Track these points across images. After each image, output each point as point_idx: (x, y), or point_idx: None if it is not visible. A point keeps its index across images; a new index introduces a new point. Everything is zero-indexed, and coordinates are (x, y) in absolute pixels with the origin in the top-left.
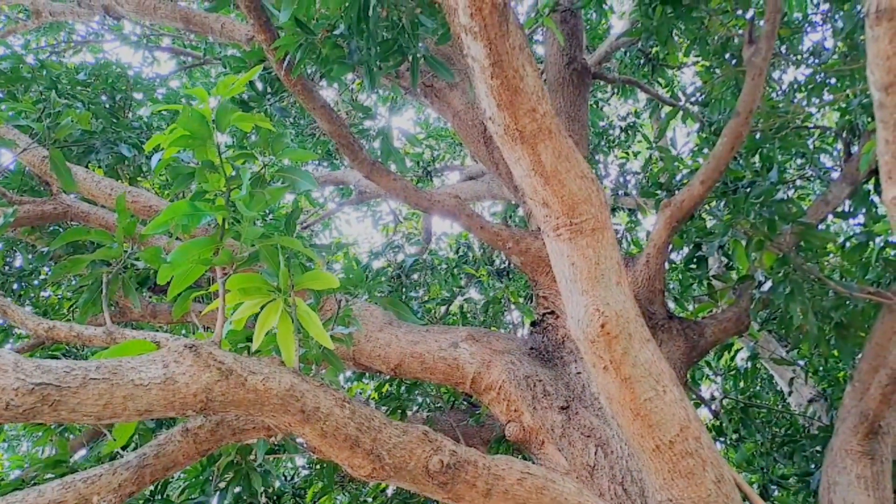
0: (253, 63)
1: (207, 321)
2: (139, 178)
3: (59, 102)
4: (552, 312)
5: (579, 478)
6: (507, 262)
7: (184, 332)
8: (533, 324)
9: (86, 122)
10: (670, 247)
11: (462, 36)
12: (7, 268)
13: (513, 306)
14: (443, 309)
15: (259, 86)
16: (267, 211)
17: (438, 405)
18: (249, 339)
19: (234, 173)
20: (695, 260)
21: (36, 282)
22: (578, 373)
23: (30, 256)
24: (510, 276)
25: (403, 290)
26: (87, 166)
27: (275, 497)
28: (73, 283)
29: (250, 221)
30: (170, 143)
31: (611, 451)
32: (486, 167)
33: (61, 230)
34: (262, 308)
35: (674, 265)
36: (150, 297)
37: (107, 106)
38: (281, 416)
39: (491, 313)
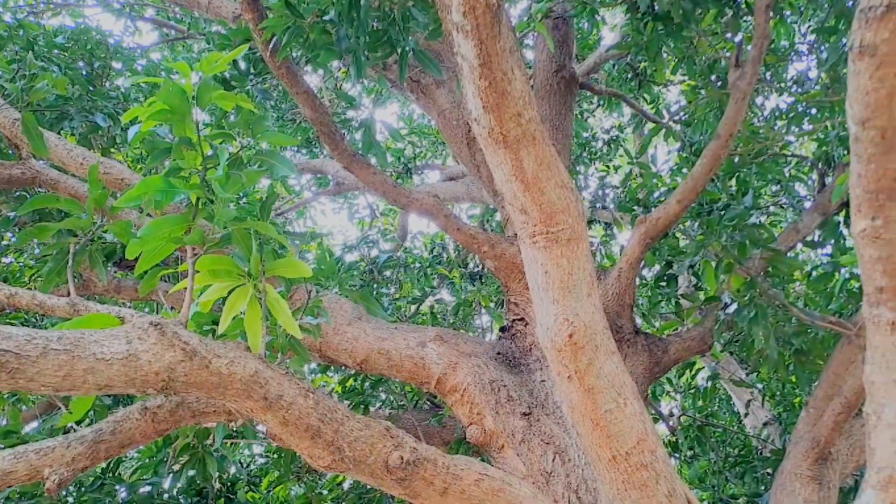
0: (238, 41)
1: (174, 301)
2: (112, 150)
3: (35, 65)
4: (522, 319)
5: (536, 483)
6: (480, 266)
7: (147, 309)
8: (502, 329)
9: (62, 87)
10: (642, 263)
11: (454, 33)
12: None
13: (483, 310)
14: (413, 308)
15: (242, 65)
16: (241, 194)
17: (402, 403)
18: (216, 323)
19: (211, 152)
20: (665, 278)
21: None
22: (543, 381)
23: None
24: (482, 280)
25: (375, 285)
26: (59, 133)
27: (228, 483)
28: (37, 251)
29: (225, 203)
30: (148, 116)
31: (568, 460)
32: (467, 169)
33: (28, 196)
34: (230, 292)
35: (644, 281)
36: (116, 271)
37: (84, 73)
38: (243, 401)
39: (461, 316)
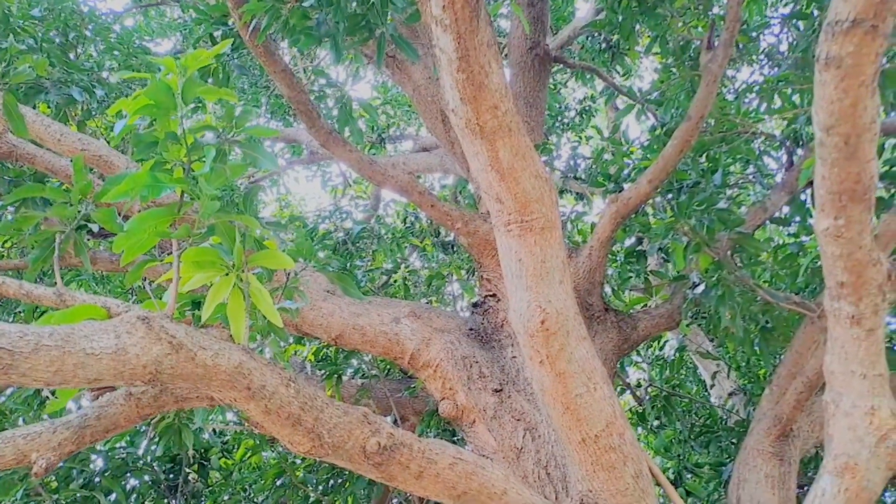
0: (216, 17)
1: (151, 276)
2: (87, 122)
3: (15, 48)
4: (494, 296)
5: (506, 458)
6: (452, 236)
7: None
8: (475, 305)
9: (42, 68)
10: (613, 241)
11: (432, 26)
12: None
13: (454, 279)
14: (385, 278)
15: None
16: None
17: (374, 373)
18: (196, 304)
19: (193, 144)
20: (635, 254)
21: None
22: (514, 357)
23: None
24: (454, 250)
25: (349, 256)
26: (34, 106)
27: (202, 450)
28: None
29: (210, 197)
30: (134, 111)
31: (538, 436)
32: (441, 144)
33: (5, 169)
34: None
35: (614, 256)
36: (90, 240)
37: (57, 42)
38: (227, 391)
39: (434, 287)
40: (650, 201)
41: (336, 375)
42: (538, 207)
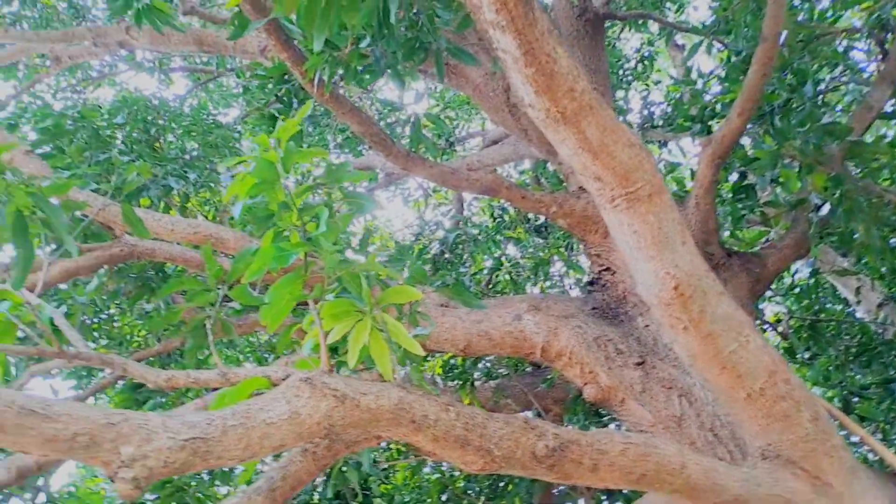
0: (275, 77)
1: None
2: (187, 205)
3: (118, 160)
4: (608, 269)
5: (666, 429)
6: (543, 218)
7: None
8: (590, 283)
9: (146, 171)
10: (718, 184)
11: (490, 31)
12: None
13: (555, 260)
14: (489, 277)
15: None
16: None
17: (504, 373)
18: (333, 349)
19: (303, 207)
20: (742, 190)
21: (104, 315)
22: (647, 326)
23: (104, 297)
24: (549, 231)
25: (450, 266)
26: (138, 205)
27: (362, 482)
28: (140, 312)
29: (330, 252)
30: (246, 193)
31: (695, 400)
32: (512, 132)
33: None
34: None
35: (721, 198)
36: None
37: (143, 140)
38: (394, 428)
39: (541, 274)
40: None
41: (469, 383)
42: (640, 175)
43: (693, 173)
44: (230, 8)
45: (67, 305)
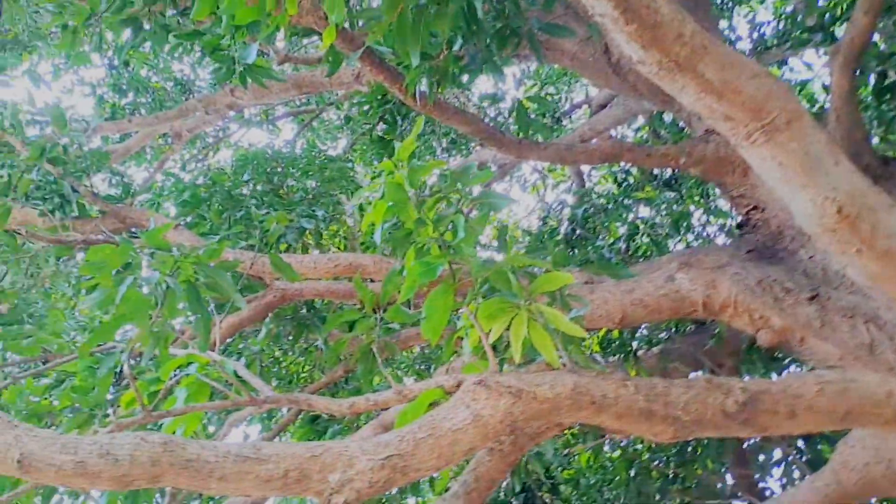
0: (376, 99)
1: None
2: (321, 241)
3: (258, 215)
4: (755, 208)
5: (857, 360)
6: (669, 171)
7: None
8: (739, 226)
9: (284, 219)
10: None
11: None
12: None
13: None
14: (625, 245)
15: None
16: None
17: (665, 337)
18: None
19: (436, 217)
20: (885, 90)
21: (271, 359)
22: (811, 257)
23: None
24: (678, 183)
25: (584, 242)
26: (279, 250)
27: (545, 470)
28: (300, 350)
29: (473, 256)
30: (382, 218)
31: (884, 323)
32: (620, 92)
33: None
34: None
35: (862, 104)
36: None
37: (269, 190)
38: (575, 413)
39: (683, 229)
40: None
41: (631, 354)
42: (772, 104)
43: (825, 87)
44: (324, 47)
45: (245, 356)
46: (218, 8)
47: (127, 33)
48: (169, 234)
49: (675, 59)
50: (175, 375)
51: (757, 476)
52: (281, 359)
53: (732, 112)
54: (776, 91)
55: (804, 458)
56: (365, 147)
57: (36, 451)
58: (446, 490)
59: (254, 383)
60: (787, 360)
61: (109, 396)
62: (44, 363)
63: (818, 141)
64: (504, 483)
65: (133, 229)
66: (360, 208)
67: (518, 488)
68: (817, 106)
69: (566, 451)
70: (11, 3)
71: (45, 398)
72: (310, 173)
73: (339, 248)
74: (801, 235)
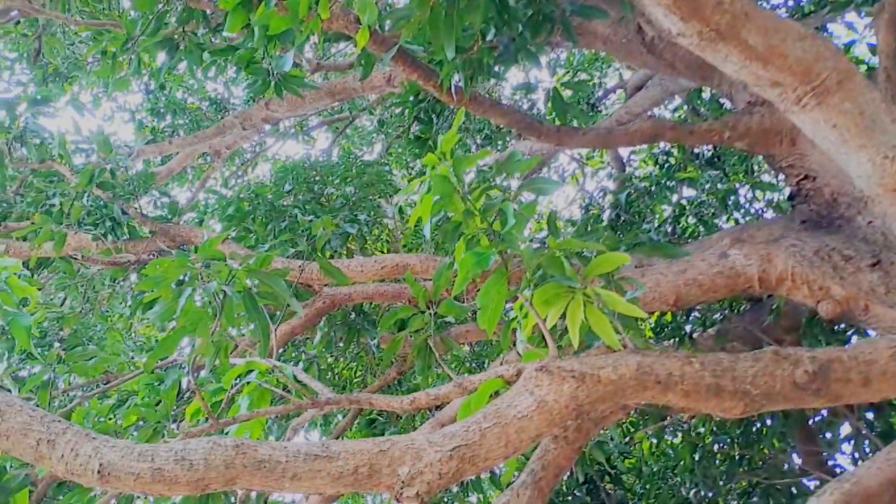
0: (410, 99)
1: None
2: (366, 245)
3: (305, 222)
4: (806, 177)
5: None
6: (708, 149)
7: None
8: (790, 197)
9: (330, 224)
10: None
11: None
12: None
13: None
14: (672, 227)
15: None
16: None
17: (720, 318)
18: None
19: (484, 209)
20: None
21: (325, 364)
22: (870, 222)
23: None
24: (721, 159)
25: (630, 227)
26: (325, 256)
27: (606, 461)
28: (352, 354)
29: (523, 242)
30: (429, 212)
31: None
32: (657, 71)
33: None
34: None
35: None
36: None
37: (310, 199)
38: (641, 393)
39: (731, 206)
40: None
41: (686, 337)
42: (821, 66)
43: (871, 47)
44: (357, 50)
45: (303, 361)
46: (250, 21)
47: (162, 56)
48: (218, 247)
49: (717, 27)
50: (236, 384)
51: (825, 453)
52: (333, 365)
53: (780, 77)
54: (824, 52)
55: (875, 431)
56: (400, 149)
57: (115, 460)
58: (511, 482)
59: (313, 386)
60: (849, 333)
61: (173, 411)
62: (105, 384)
63: (872, 99)
64: (566, 476)
65: (182, 247)
66: (401, 210)
67: (581, 479)
68: (864, 67)
69: (627, 440)
70: (50, 38)
71: (110, 418)
72: (348, 179)
73: (381, 252)
74: (857, 201)
